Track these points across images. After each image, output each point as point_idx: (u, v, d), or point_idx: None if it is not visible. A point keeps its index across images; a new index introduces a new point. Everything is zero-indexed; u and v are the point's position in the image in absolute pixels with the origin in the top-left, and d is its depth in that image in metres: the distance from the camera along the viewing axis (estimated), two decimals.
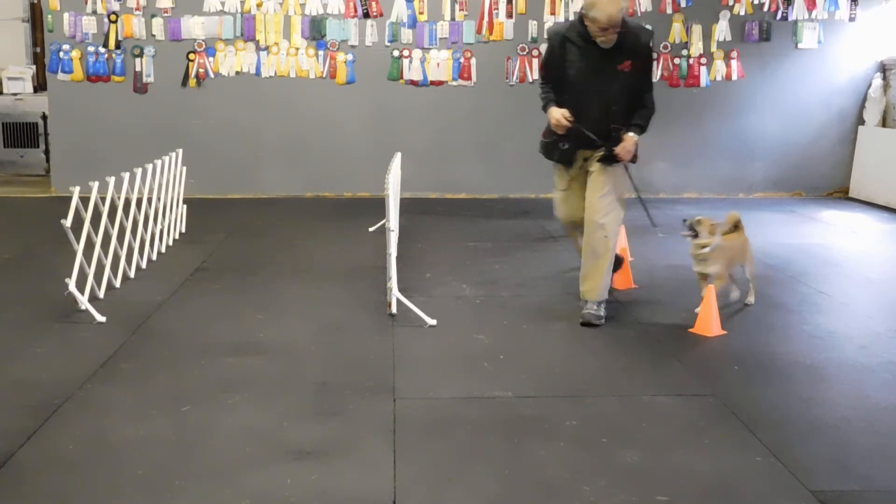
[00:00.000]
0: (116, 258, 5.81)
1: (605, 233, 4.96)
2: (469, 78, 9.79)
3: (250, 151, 9.73)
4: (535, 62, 9.80)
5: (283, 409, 3.85)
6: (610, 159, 4.89)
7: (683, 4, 9.81)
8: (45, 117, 10.44)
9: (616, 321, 5.24)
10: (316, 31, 9.63)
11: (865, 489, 3.21)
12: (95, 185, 5.47)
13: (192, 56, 9.59)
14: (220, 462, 3.35)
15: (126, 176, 5.91)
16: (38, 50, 11.43)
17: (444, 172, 9.94)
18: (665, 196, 10.10)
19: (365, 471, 3.29)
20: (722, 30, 9.88)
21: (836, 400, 4.06)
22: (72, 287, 5.03)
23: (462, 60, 9.75)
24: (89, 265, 5.29)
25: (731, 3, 9.83)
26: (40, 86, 10.94)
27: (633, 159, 5.00)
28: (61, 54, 9.48)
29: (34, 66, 11.25)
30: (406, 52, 9.71)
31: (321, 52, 9.66)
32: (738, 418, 3.81)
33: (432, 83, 9.78)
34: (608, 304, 5.26)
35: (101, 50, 9.50)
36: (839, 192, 10.28)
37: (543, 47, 9.75)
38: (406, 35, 9.69)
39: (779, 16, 9.89)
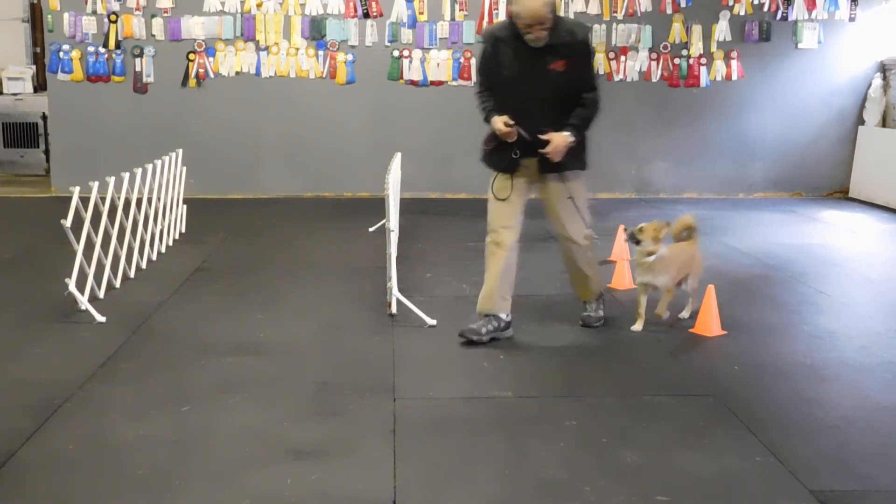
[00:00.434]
0: (116, 258, 5.81)
1: (575, 242, 4.80)
2: (469, 78, 9.78)
3: (250, 151, 9.73)
4: None
5: (283, 409, 3.85)
6: (547, 164, 4.55)
7: (683, 4, 9.81)
8: (45, 117, 10.44)
9: (616, 321, 5.23)
10: (316, 31, 9.63)
11: (865, 489, 3.21)
12: (95, 185, 5.47)
13: (192, 56, 9.59)
14: (220, 462, 3.35)
15: (126, 176, 5.91)
16: (38, 50, 11.43)
17: (444, 172, 9.93)
18: (665, 196, 10.11)
19: (365, 471, 3.29)
20: (722, 30, 9.88)
21: (836, 400, 4.06)
22: (72, 287, 5.03)
23: (462, 60, 9.75)
24: (89, 265, 5.29)
25: (731, 3, 9.83)
26: (40, 86, 10.94)
27: (583, 166, 4.71)
28: (61, 54, 9.48)
29: (34, 66, 11.25)
30: (406, 52, 9.71)
31: (321, 52, 9.66)
32: (738, 418, 3.81)
33: (432, 83, 9.78)
34: (606, 303, 5.24)
35: (101, 50, 9.50)
36: (839, 192, 10.28)
37: None
38: (406, 35, 9.69)
39: (779, 16, 9.89)
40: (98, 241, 5.44)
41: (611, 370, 4.42)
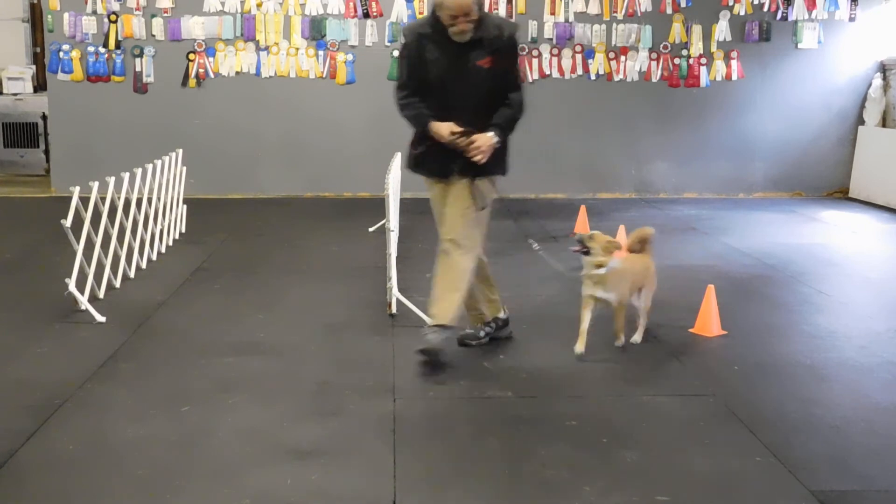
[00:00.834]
0: (116, 258, 5.81)
1: (459, 251, 4.40)
2: None
3: (250, 151, 9.73)
4: (535, 62, 9.81)
5: (283, 409, 3.85)
6: (470, 167, 4.27)
7: (683, 4, 9.81)
8: (45, 117, 10.44)
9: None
10: (316, 31, 9.63)
11: (865, 489, 3.21)
12: (95, 185, 5.47)
13: (192, 56, 9.59)
14: (220, 462, 3.35)
15: (126, 176, 5.91)
16: (38, 50, 11.43)
17: None
18: (665, 196, 10.11)
19: (365, 471, 3.29)
20: (722, 30, 9.88)
21: (836, 400, 4.06)
22: (72, 287, 5.03)
23: None
24: (89, 265, 5.29)
25: (731, 3, 9.84)
26: (40, 86, 10.94)
27: (503, 171, 4.46)
28: (61, 54, 9.48)
29: (34, 66, 11.25)
30: None
31: (321, 52, 9.66)
32: (738, 418, 3.81)
33: None
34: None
35: (101, 50, 9.50)
36: (839, 192, 10.29)
37: (543, 47, 9.79)
38: None
39: (779, 16, 9.89)
40: (98, 241, 5.44)
41: (611, 370, 4.42)
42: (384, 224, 5.78)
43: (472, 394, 4.06)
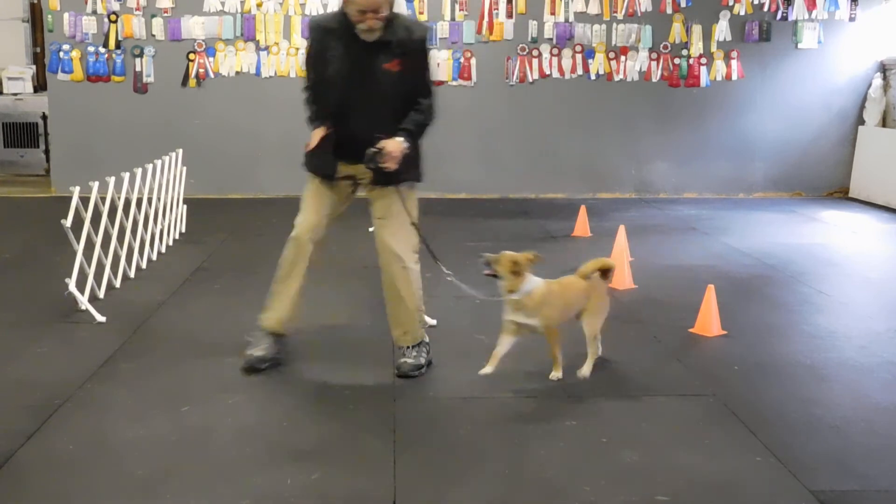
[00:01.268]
0: (116, 258, 5.81)
1: (403, 263, 4.19)
2: (469, 78, 9.79)
3: (250, 151, 9.73)
4: (535, 62, 9.81)
5: (283, 409, 3.85)
6: (379, 175, 4.08)
7: (683, 4, 9.81)
8: (45, 117, 10.44)
9: (616, 321, 5.23)
10: None
11: (865, 489, 3.21)
12: (95, 185, 5.47)
13: (192, 56, 9.59)
14: (220, 462, 3.35)
15: (126, 176, 5.91)
16: (38, 50, 11.42)
17: (444, 172, 9.92)
18: (665, 196, 10.11)
19: (365, 471, 3.29)
20: (722, 30, 9.88)
21: (836, 400, 4.06)
22: (72, 287, 5.03)
23: (462, 60, 9.75)
24: (89, 265, 5.29)
25: (731, 3, 9.84)
26: (40, 86, 10.94)
27: (418, 177, 4.29)
28: (61, 54, 9.48)
29: (34, 66, 11.25)
30: None
31: None
32: (738, 418, 3.81)
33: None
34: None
35: (101, 50, 9.50)
36: (839, 192, 10.29)
37: (543, 47, 9.79)
38: None
39: (779, 16, 9.89)
40: (98, 241, 5.44)
41: (611, 370, 4.41)
42: None
43: (472, 394, 4.06)
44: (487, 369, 4.16)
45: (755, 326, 5.16)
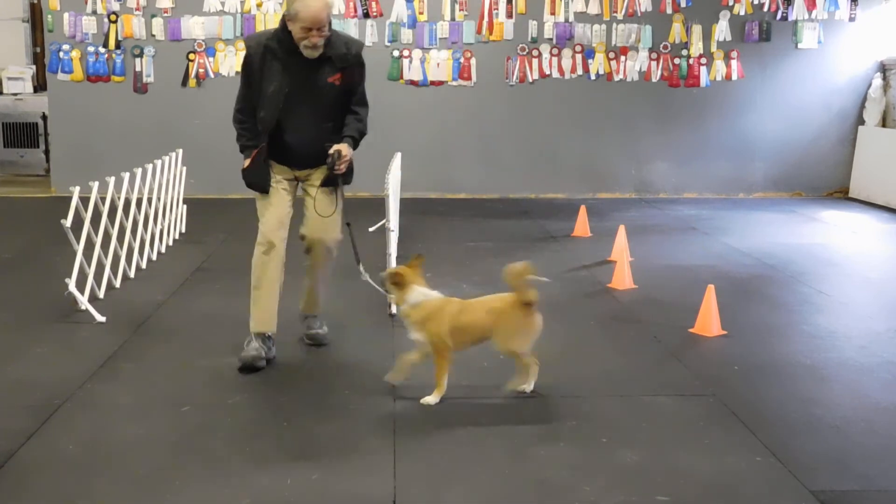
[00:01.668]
0: (116, 258, 5.81)
1: (332, 255, 4.55)
2: (469, 78, 9.79)
3: None
4: (535, 62, 9.81)
5: (283, 409, 3.85)
6: (331, 180, 4.41)
7: (683, 4, 9.81)
8: (45, 117, 10.44)
9: (616, 321, 5.24)
10: None
11: (865, 489, 3.21)
12: (95, 185, 5.47)
13: (192, 56, 9.59)
14: (220, 462, 3.35)
15: (126, 176, 5.91)
16: (38, 50, 11.43)
17: (444, 172, 9.94)
18: (665, 196, 10.11)
19: (365, 471, 3.29)
20: (722, 30, 9.88)
21: (836, 400, 4.06)
22: (72, 287, 5.03)
23: (462, 60, 9.75)
24: (89, 265, 5.29)
25: (731, 3, 9.84)
26: (40, 86, 10.94)
27: (348, 178, 4.55)
28: (61, 54, 9.48)
29: (34, 66, 11.25)
30: (406, 52, 9.71)
31: None
32: (738, 418, 3.81)
33: (432, 83, 9.78)
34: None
35: (101, 50, 9.50)
36: (839, 192, 10.29)
37: (543, 47, 9.78)
38: (406, 35, 9.69)
39: (779, 16, 9.89)
40: (98, 241, 5.44)
41: (611, 370, 4.42)
42: (384, 224, 5.78)
43: (472, 394, 4.06)
44: (388, 376, 4.07)
45: (755, 326, 5.16)
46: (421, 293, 3.95)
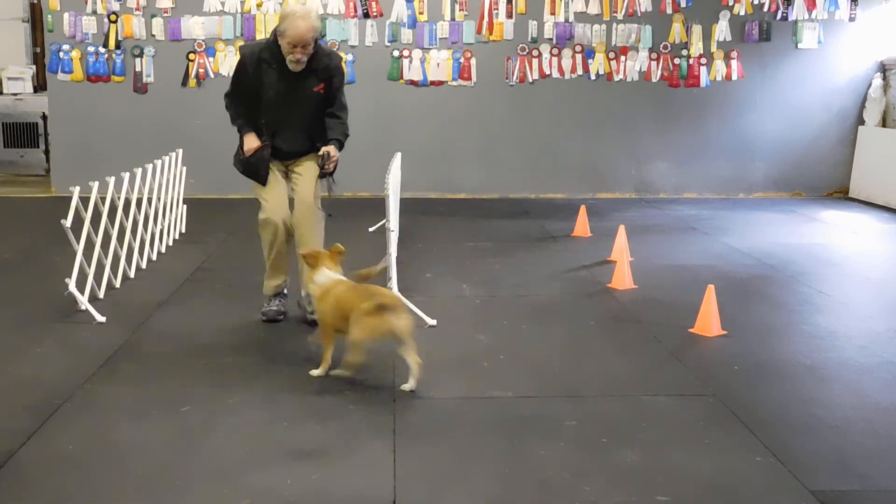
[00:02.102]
0: (116, 258, 5.81)
1: (322, 221, 5.15)
2: (469, 78, 9.79)
3: None
4: (535, 62, 9.81)
5: (283, 409, 3.85)
6: (320, 175, 5.04)
7: (683, 4, 9.81)
8: (45, 117, 10.44)
9: (616, 321, 5.24)
10: None
11: (865, 489, 3.21)
12: (95, 185, 5.47)
13: (192, 56, 9.59)
14: (220, 462, 3.35)
15: (126, 176, 5.91)
16: (38, 50, 11.43)
17: (444, 172, 9.94)
18: (665, 196, 10.11)
19: (365, 471, 3.29)
20: (722, 30, 9.88)
21: (836, 400, 4.06)
22: (72, 287, 5.03)
23: (462, 60, 9.75)
24: (89, 265, 5.29)
25: (731, 3, 9.84)
26: (40, 86, 10.94)
27: (332, 173, 5.10)
28: (61, 54, 9.48)
29: (34, 66, 11.25)
30: (406, 52, 9.71)
31: None
32: (738, 418, 3.81)
33: (432, 83, 9.78)
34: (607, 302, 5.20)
35: (101, 50, 9.50)
36: (839, 192, 10.29)
37: (543, 47, 9.79)
38: (406, 35, 9.69)
39: (779, 16, 9.89)
40: (98, 241, 5.44)
41: (611, 370, 4.42)
42: (384, 224, 5.78)
43: (472, 394, 4.06)
44: (314, 369, 4.24)
45: (755, 326, 5.16)
46: (326, 275, 4.29)
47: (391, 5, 9.64)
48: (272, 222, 4.99)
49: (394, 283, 5.22)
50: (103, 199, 5.54)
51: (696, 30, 9.87)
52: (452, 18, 9.70)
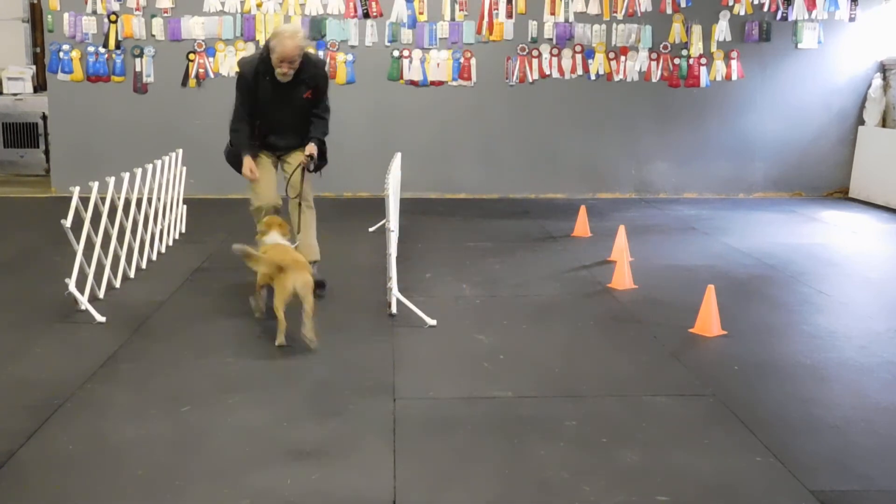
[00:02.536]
0: (116, 258, 5.81)
1: (313, 212, 5.83)
2: (469, 78, 9.79)
3: None
4: (535, 62, 9.81)
5: (283, 409, 3.85)
6: (307, 167, 5.65)
7: (683, 4, 9.81)
8: (45, 117, 10.44)
9: (616, 321, 5.24)
10: (316, 31, 9.63)
11: (865, 489, 3.21)
12: (95, 185, 5.47)
13: (192, 56, 9.59)
14: (220, 462, 3.35)
15: (126, 176, 5.91)
16: (38, 50, 11.42)
17: (444, 172, 9.94)
18: (665, 196, 10.11)
19: (365, 471, 3.29)
20: (722, 30, 9.88)
21: (836, 400, 4.06)
22: (72, 287, 5.03)
23: (462, 60, 9.75)
24: (89, 265, 5.29)
25: (731, 3, 9.84)
26: (40, 86, 10.94)
27: (325, 162, 5.80)
28: (61, 54, 9.48)
29: (34, 66, 11.25)
30: (406, 52, 9.71)
31: (321, 53, 9.65)
32: (738, 418, 3.81)
33: (432, 83, 9.78)
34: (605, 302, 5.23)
35: (101, 50, 9.50)
36: (839, 192, 10.29)
37: (543, 47, 9.80)
38: (406, 35, 9.69)
39: (779, 16, 9.89)
40: (98, 241, 5.44)
41: (611, 370, 4.42)
42: (384, 224, 5.78)
43: (472, 394, 4.06)
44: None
45: (755, 326, 5.16)
46: (272, 238, 5.14)
47: (391, 5, 9.64)
48: (264, 209, 5.55)
49: (394, 283, 5.23)
50: (103, 199, 5.54)
51: (696, 30, 9.88)
52: (452, 18, 9.70)
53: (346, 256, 6.86)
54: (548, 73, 9.85)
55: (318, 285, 5.39)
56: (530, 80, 9.82)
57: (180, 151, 7.44)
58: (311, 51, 9.48)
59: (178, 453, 3.42)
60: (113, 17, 9.45)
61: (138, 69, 9.57)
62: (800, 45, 9.97)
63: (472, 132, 9.91)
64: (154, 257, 6.51)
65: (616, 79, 9.90)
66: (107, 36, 9.49)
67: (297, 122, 5.63)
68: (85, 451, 3.42)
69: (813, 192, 10.26)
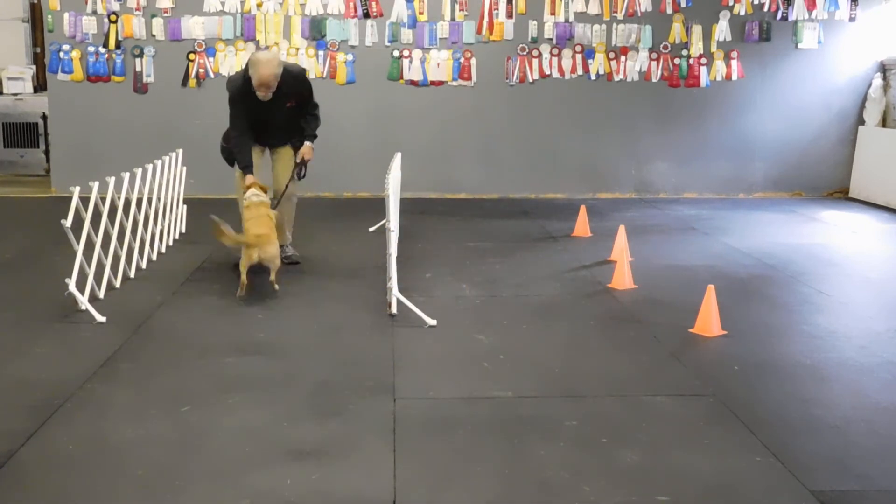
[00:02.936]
0: (116, 258, 5.81)
1: (294, 202, 6.61)
2: (469, 78, 9.79)
3: None
4: (536, 62, 9.82)
5: (283, 409, 3.85)
6: (299, 165, 6.37)
7: (683, 4, 9.81)
8: (45, 117, 10.44)
9: (616, 321, 5.24)
10: (316, 31, 9.63)
11: (865, 489, 3.21)
12: (95, 185, 5.47)
13: (192, 56, 9.59)
14: (220, 462, 3.35)
15: (126, 176, 5.91)
16: (38, 50, 11.42)
17: (444, 172, 9.94)
18: (665, 196, 10.11)
19: (365, 471, 3.29)
20: (722, 30, 9.88)
21: (836, 400, 4.06)
22: (72, 287, 5.03)
23: (462, 60, 9.75)
24: (89, 265, 5.29)
25: (731, 3, 9.84)
26: (40, 86, 10.93)
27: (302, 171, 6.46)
28: (61, 54, 9.48)
29: (34, 66, 11.25)
30: (406, 52, 9.71)
31: (321, 53, 9.65)
32: (738, 418, 3.81)
33: (432, 83, 9.78)
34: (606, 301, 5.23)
35: (101, 50, 9.50)
36: (839, 192, 10.29)
37: (543, 47, 9.81)
38: (406, 35, 9.69)
39: (779, 16, 9.89)
40: (98, 241, 5.44)
41: (611, 370, 4.42)
42: (384, 224, 5.78)
43: (472, 394, 4.06)
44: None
45: (755, 326, 5.16)
46: (251, 194, 6.00)
47: (391, 5, 9.64)
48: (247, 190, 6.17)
49: (394, 283, 5.23)
50: (103, 200, 5.54)
51: (696, 30, 9.88)
52: (452, 18, 9.70)
53: (346, 256, 6.86)
54: (548, 73, 9.85)
55: (292, 263, 6.37)
56: (530, 80, 9.82)
57: (180, 151, 7.44)
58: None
59: (178, 453, 3.42)
60: (113, 17, 9.45)
61: (138, 69, 9.57)
62: (800, 45, 9.97)
63: (472, 132, 9.91)
64: (154, 257, 6.51)
65: (616, 79, 9.90)
66: (107, 36, 9.49)
67: (286, 124, 6.27)
68: (85, 451, 3.42)
69: (813, 192, 10.26)
